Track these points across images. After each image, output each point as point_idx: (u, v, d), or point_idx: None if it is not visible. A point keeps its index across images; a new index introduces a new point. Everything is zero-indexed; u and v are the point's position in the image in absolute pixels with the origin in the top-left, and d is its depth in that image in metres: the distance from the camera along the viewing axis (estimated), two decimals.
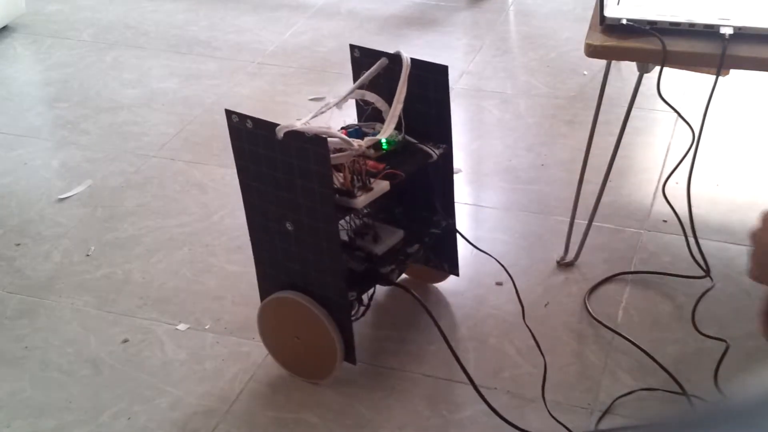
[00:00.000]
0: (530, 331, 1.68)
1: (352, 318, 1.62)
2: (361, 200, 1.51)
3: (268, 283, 1.65)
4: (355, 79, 1.66)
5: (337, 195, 1.50)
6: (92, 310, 1.85)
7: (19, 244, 2.05)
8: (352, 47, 1.67)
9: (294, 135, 1.44)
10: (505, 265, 1.88)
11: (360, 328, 1.79)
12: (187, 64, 2.81)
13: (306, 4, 3.17)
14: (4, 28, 3.03)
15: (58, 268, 1.97)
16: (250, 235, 1.63)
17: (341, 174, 1.50)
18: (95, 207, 2.17)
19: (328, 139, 1.47)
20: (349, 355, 1.60)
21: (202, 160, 2.32)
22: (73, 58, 2.87)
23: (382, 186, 1.54)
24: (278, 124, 1.46)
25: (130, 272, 1.95)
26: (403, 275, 1.88)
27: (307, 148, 1.44)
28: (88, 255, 2.01)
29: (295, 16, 3.09)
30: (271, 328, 1.67)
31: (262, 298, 1.66)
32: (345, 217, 1.58)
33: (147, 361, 1.73)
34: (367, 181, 1.52)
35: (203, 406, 1.63)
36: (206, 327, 1.80)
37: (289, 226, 1.54)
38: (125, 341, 1.78)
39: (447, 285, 1.86)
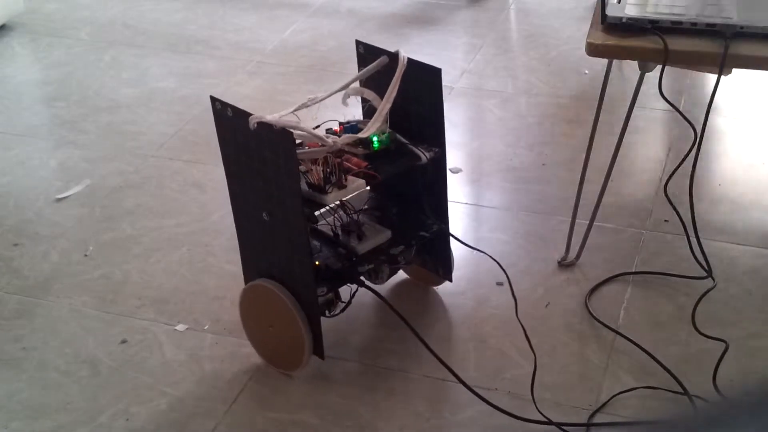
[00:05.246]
0: (522, 326, 1.67)
1: (330, 314, 1.63)
2: (332, 197, 1.52)
3: (249, 270, 1.67)
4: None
5: (310, 189, 1.51)
6: (90, 311, 1.85)
7: (16, 244, 2.04)
8: (358, 43, 1.67)
9: (265, 126, 1.45)
10: (504, 265, 1.87)
11: (360, 328, 1.78)
12: (185, 63, 2.80)
13: (306, 3, 3.16)
14: (2, 26, 3.02)
15: (56, 268, 1.97)
16: (235, 222, 1.65)
17: (319, 168, 1.51)
18: (93, 207, 2.16)
19: (308, 134, 1.48)
20: (318, 349, 1.61)
21: (201, 159, 2.31)
22: (72, 57, 2.86)
23: (357, 184, 1.54)
24: (253, 114, 1.48)
25: (128, 272, 1.95)
26: (405, 276, 1.87)
27: (277, 140, 1.44)
28: (86, 255, 2.00)
29: (294, 14, 3.09)
30: (249, 315, 1.69)
31: (245, 284, 1.68)
32: (316, 211, 1.58)
33: (146, 361, 1.72)
34: (343, 179, 1.52)
35: (202, 407, 1.62)
36: (205, 327, 1.79)
37: (265, 216, 1.55)
38: (124, 342, 1.77)
39: (447, 285, 1.85)
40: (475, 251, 1.83)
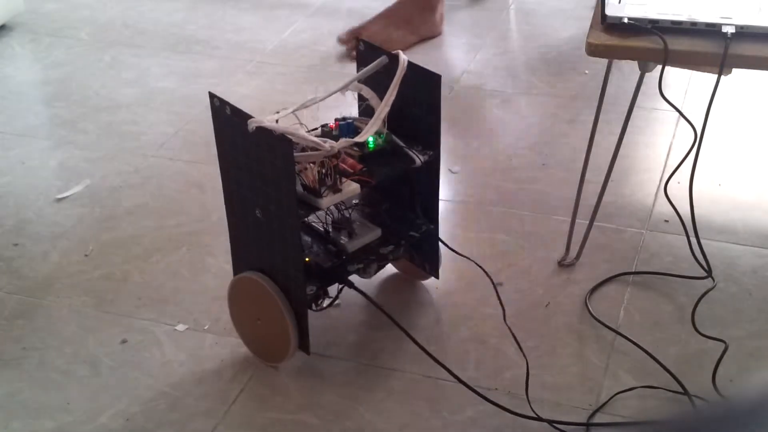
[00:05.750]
0: (511, 332, 1.68)
1: (317, 308, 1.64)
2: (327, 201, 1.53)
3: (240, 263, 1.68)
4: (358, 72, 1.66)
5: (305, 191, 1.52)
6: (90, 311, 1.85)
7: (16, 245, 2.04)
8: (359, 40, 1.67)
9: (264, 131, 1.46)
10: (504, 265, 1.88)
11: (358, 327, 1.78)
12: (185, 63, 2.80)
13: (306, 3, 3.16)
14: (2, 26, 3.01)
15: (56, 268, 1.96)
16: (227, 216, 1.66)
17: (315, 170, 1.51)
18: (93, 207, 2.16)
19: (307, 141, 1.48)
20: (303, 343, 1.62)
21: (201, 159, 2.31)
22: (72, 57, 2.86)
23: (351, 188, 1.55)
24: (252, 116, 1.48)
25: (128, 272, 1.95)
26: (394, 270, 1.88)
27: (275, 145, 1.45)
28: (86, 255, 2.00)
29: (294, 14, 3.09)
30: (238, 308, 1.70)
31: (234, 276, 1.69)
32: (310, 214, 1.59)
33: (146, 361, 1.72)
34: (338, 182, 1.53)
35: (202, 407, 1.62)
36: (205, 327, 1.79)
37: (258, 213, 1.56)
38: (124, 342, 1.77)
39: (446, 285, 1.85)
40: (474, 252, 1.83)
